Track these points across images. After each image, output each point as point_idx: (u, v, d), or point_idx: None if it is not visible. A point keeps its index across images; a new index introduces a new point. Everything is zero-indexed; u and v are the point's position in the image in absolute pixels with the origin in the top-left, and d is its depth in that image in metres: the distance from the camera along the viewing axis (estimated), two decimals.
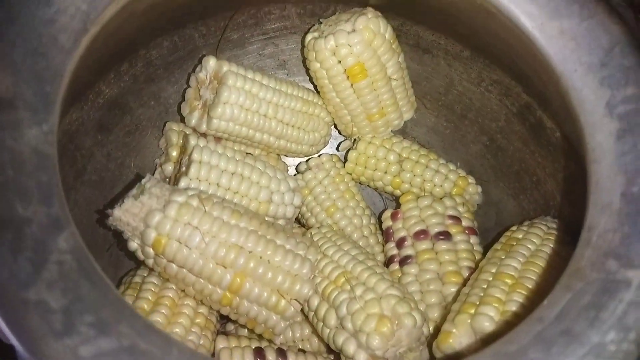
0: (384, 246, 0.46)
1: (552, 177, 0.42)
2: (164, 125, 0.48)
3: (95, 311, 0.20)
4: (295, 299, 0.36)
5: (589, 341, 0.22)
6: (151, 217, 0.32)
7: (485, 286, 0.34)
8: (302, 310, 0.38)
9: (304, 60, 0.48)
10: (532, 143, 0.44)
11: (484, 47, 0.42)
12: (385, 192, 0.51)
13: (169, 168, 0.45)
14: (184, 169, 0.41)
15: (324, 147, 0.51)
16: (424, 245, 0.42)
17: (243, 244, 0.34)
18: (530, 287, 0.32)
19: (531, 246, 0.37)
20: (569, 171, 0.39)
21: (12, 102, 0.24)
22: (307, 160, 0.52)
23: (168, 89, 0.48)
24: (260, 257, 0.35)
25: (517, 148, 0.46)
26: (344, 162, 0.51)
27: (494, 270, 0.35)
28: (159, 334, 0.20)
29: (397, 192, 0.49)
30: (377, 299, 0.35)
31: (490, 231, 0.47)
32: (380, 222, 0.49)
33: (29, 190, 0.22)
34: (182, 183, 0.39)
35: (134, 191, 0.34)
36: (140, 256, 0.34)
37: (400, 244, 0.44)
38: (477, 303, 0.33)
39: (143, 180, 0.35)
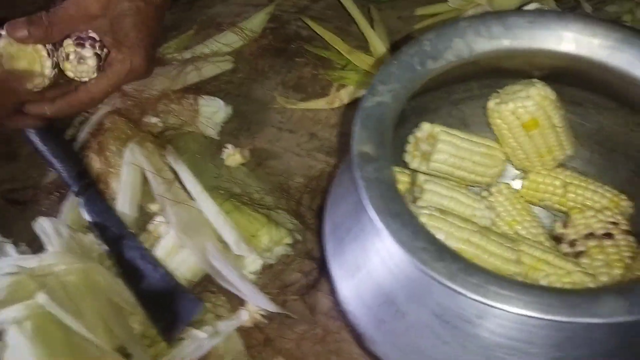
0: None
1: None
2: None
3: (447, 252, 0.41)
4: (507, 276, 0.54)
5: None
6: None
7: None
8: None
9: (488, 118, 0.67)
10: None
11: (627, 102, 0.59)
12: (554, 209, 0.68)
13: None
14: (418, 194, 0.62)
15: (499, 178, 0.70)
16: (592, 243, 0.59)
17: (470, 239, 0.53)
18: None
19: None
20: None
21: (377, 158, 0.47)
22: (487, 188, 0.71)
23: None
24: (482, 247, 0.54)
25: None
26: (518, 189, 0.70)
27: None
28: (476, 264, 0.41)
29: (563, 208, 0.66)
30: (569, 273, 0.52)
31: None
32: (550, 232, 0.66)
33: (396, 200, 0.45)
34: (419, 204, 0.60)
35: None
36: None
37: (572, 244, 0.61)
38: None
39: None
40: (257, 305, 0.67)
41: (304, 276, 0.74)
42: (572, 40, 0.55)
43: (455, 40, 0.55)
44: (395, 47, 0.96)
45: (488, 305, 0.38)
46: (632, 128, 0.62)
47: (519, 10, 0.86)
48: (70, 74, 0.73)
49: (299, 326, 0.69)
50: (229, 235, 0.71)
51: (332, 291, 0.55)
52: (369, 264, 0.49)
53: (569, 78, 0.63)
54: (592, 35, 0.54)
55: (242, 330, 0.68)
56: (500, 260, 0.54)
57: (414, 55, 0.55)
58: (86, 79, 0.73)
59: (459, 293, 0.39)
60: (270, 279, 0.73)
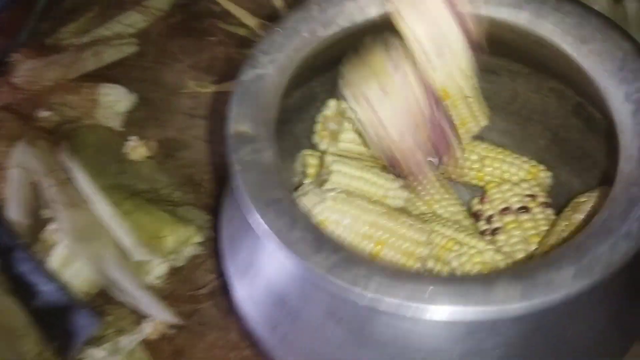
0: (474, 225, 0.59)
1: (605, 157, 0.54)
2: (297, 154, 0.65)
3: (328, 242, 0.36)
4: (417, 258, 0.50)
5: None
6: (315, 207, 0.48)
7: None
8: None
9: None
10: (588, 132, 0.56)
11: (538, 65, 0.55)
12: (472, 185, 0.65)
13: (307, 182, 0.61)
14: (325, 177, 0.56)
15: None
16: (509, 218, 0.55)
17: (378, 222, 0.49)
18: None
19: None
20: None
21: (255, 138, 0.42)
22: None
23: (299, 126, 0.63)
24: (392, 230, 0.49)
25: (576, 138, 0.58)
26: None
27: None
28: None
29: (481, 183, 0.62)
30: (480, 252, 0.48)
31: (563, 206, 0.59)
32: (469, 209, 0.63)
33: (275, 185, 0.39)
34: (327, 186, 0.54)
35: (300, 193, 0.50)
36: None
37: (489, 220, 0.57)
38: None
39: (304, 185, 0.51)
40: (158, 318, 0.61)
41: (217, 277, 0.68)
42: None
43: (346, 4, 0.50)
44: None
45: (370, 297, 0.34)
46: (547, 94, 0.59)
47: None
48: None
49: (211, 333, 0.64)
50: (126, 240, 0.64)
51: (229, 293, 0.49)
52: (259, 259, 0.44)
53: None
54: None
55: (149, 343, 0.62)
56: (409, 242, 0.49)
57: (300, 21, 0.49)
58: None
59: (339, 287, 0.34)
60: (179, 283, 0.67)
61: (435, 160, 0.52)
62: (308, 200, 0.48)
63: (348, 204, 0.49)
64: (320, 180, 0.58)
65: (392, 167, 0.53)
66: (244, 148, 0.41)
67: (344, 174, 0.55)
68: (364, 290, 0.34)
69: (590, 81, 0.44)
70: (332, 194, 0.49)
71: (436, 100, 0.49)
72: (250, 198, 0.37)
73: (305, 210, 0.38)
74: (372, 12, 0.50)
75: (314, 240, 0.36)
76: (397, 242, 0.49)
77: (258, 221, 0.37)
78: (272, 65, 0.46)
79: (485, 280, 0.34)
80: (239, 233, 0.47)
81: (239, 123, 0.42)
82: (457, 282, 0.34)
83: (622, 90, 0.42)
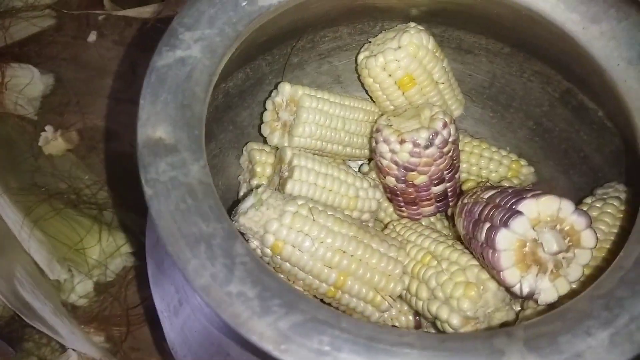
0: (451, 229, 0.52)
1: (597, 152, 0.47)
2: (243, 146, 0.55)
3: (280, 296, 0.26)
4: (390, 295, 0.42)
5: None
6: (270, 225, 0.39)
7: None
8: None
9: (359, 76, 0.54)
10: (576, 123, 0.49)
11: (524, 44, 0.47)
12: None
13: (254, 182, 0.51)
14: (286, 174, 0.47)
15: None
16: None
17: (345, 249, 0.40)
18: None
19: (604, 227, 0.41)
20: (614, 145, 0.44)
21: (175, 147, 0.31)
22: (368, 162, 0.58)
23: (242, 113, 0.54)
24: (360, 260, 0.41)
25: (562, 129, 0.51)
26: None
27: None
28: (328, 309, 0.26)
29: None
30: (462, 269, 0.41)
31: None
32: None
33: (205, 212, 0.29)
34: (289, 185, 0.45)
35: (253, 200, 0.40)
36: (259, 254, 0.40)
37: None
38: None
39: (259, 190, 0.41)
40: (81, 351, 0.51)
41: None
42: None
43: None
44: None
45: None
46: (530, 77, 0.51)
47: None
48: None
49: (146, 359, 0.54)
50: (38, 255, 0.53)
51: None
52: (193, 300, 0.35)
53: (453, 17, 0.50)
54: None
55: None
56: (379, 275, 0.41)
57: None
58: None
59: None
60: (107, 302, 0.57)
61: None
62: (262, 214, 0.39)
63: (310, 222, 0.40)
64: (280, 180, 0.49)
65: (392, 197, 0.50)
66: (158, 163, 0.30)
67: (308, 170, 0.46)
68: None
69: (597, 69, 0.36)
70: (293, 208, 0.40)
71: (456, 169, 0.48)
72: (168, 237, 0.27)
73: (246, 246, 0.28)
74: None
75: (259, 297, 0.26)
76: (366, 275, 0.41)
77: (181, 269, 0.27)
78: (199, 45, 0.35)
79: (490, 351, 0.25)
80: (167, 262, 0.38)
81: (151, 126, 0.31)
82: (452, 356, 0.25)
83: None
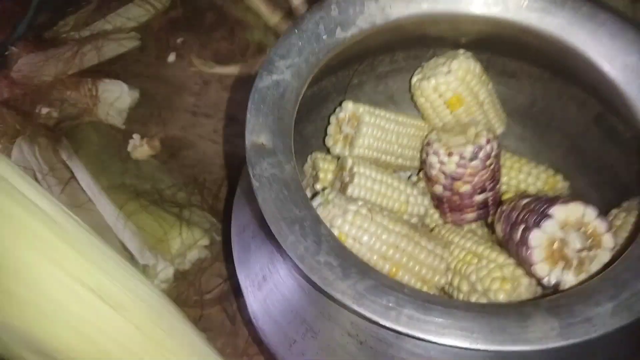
0: (490, 235, 0.58)
1: (627, 170, 0.53)
2: (307, 155, 0.63)
3: (356, 266, 0.34)
4: (434, 286, 0.49)
5: None
6: (335, 220, 0.46)
7: None
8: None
9: (412, 96, 0.61)
10: (608, 143, 0.54)
11: (561, 71, 0.53)
12: None
13: (318, 186, 0.59)
14: (347, 180, 0.54)
15: None
16: None
17: (398, 244, 0.47)
18: None
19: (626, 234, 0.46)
20: None
21: (273, 150, 0.39)
22: (417, 174, 0.65)
23: (308, 127, 0.61)
24: (410, 254, 0.47)
25: (595, 148, 0.56)
26: None
27: None
28: (393, 279, 0.34)
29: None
30: (499, 267, 0.47)
31: None
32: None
33: (297, 201, 0.37)
34: (350, 189, 0.52)
35: (320, 200, 0.48)
36: None
37: None
38: None
39: (326, 192, 0.49)
40: None
41: (224, 281, 0.67)
42: (497, 2, 0.48)
43: (367, 4, 0.47)
44: None
45: (402, 333, 0.32)
46: (567, 101, 0.57)
47: None
48: None
49: (219, 339, 0.62)
50: (131, 243, 0.63)
51: (244, 303, 0.48)
52: (275, 276, 0.42)
53: (498, 46, 0.56)
54: None
55: None
56: (426, 269, 0.48)
57: (319, 22, 0.46)
58: None
59: (367, 319, 0.33)
60: (184, 287, 0.66)
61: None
62: (329, 211, 0.47)
63: (369, 220, 0.47)
64: (341, 185, 0.56)
65: (438, 203, 0.56)
66: (262, 162, 0.39)
67: (367, 177, 0.54)
68: (395, 323, 0.32)
69: (622, 96, 0.42)
70: (354, 207, 0.47)
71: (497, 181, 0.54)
72: (271, 218, 0.36)
73: (328, 228, 0.36)
74: (394, 13, 0.48)
75: (340, 266, 0.34)
76: (415, 268, 0.48)
77: (282, 243, 0.35)
78: (290, 71, 0.44)
79: (519, 314, 0.32)
80: (253, 244, 0.46)
81: (256, 134, 0.40)
82: (489, 316, 0.33)
83: None
